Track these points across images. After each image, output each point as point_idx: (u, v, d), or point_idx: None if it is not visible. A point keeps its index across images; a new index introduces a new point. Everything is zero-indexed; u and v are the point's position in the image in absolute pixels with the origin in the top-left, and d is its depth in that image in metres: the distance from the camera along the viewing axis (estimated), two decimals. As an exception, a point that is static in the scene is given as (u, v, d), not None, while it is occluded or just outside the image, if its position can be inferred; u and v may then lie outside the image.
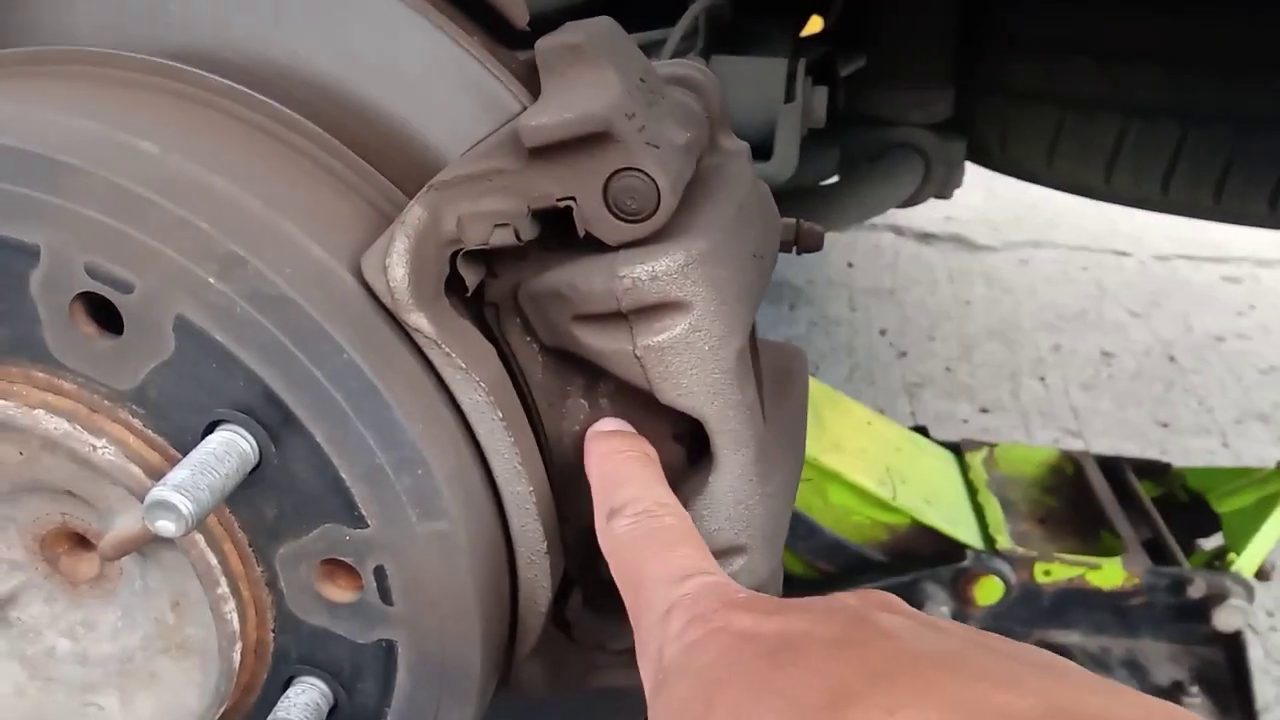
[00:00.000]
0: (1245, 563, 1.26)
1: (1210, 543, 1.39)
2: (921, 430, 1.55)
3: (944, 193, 1.34)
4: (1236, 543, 1.29)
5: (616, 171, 0.42)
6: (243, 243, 0.40)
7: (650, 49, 0.96)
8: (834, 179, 1.49)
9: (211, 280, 0.40)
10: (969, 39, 1.27)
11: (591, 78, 0.42)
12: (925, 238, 3.16)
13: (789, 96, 0.97)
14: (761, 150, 0.99)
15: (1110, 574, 1.28)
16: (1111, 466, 1.51)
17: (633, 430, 0.49)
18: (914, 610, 0.40)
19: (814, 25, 1.66)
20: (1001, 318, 2.69)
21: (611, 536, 0.46)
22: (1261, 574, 1.30)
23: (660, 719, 0.39)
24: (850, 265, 2.95)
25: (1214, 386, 2.39)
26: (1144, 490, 1.46)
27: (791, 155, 0.98)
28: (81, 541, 0.49)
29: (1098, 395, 2.33)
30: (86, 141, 0.40)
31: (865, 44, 1.46)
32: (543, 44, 0.43)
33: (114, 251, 0.40)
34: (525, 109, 0.45)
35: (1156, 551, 1.32)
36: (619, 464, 0.47)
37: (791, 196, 1.28)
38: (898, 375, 2.38)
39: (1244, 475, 1.38)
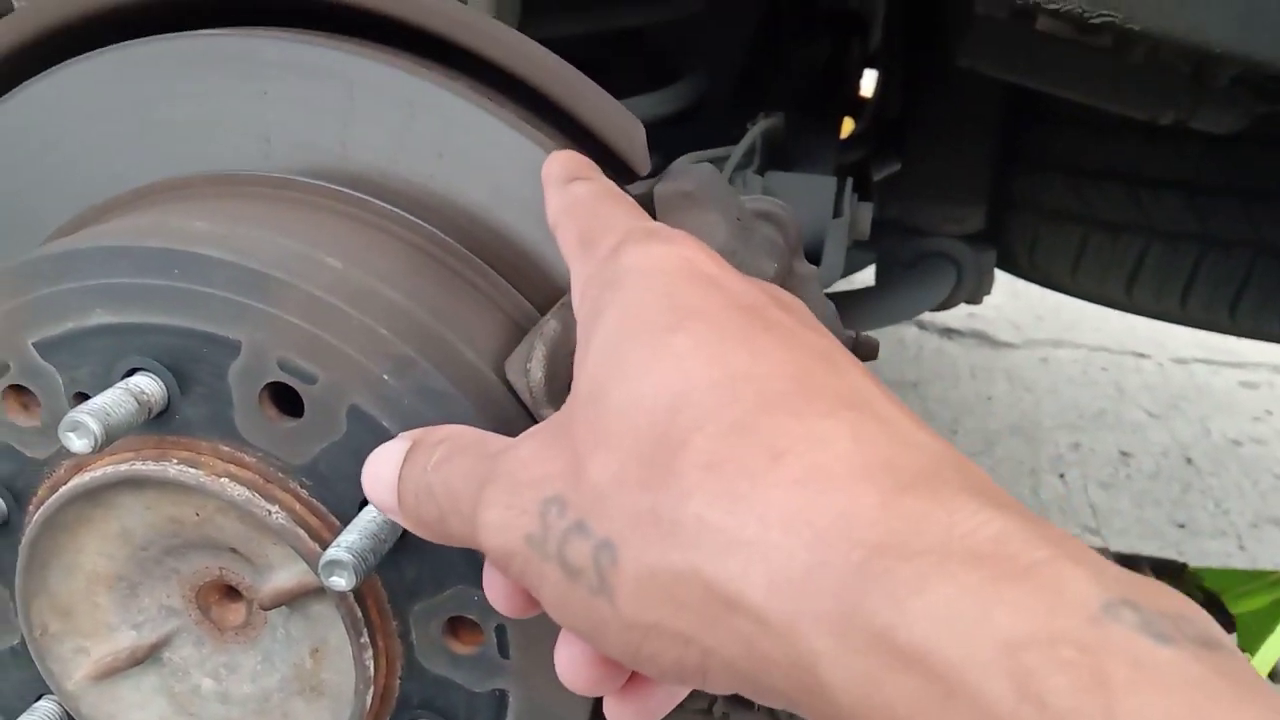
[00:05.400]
0: (1259, 663, 1.30)
1: (1225, 644, 1.43)
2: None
3: (975, 298, 1.43)
4: (1251, 644, 1.33)
5: (720, 298, 0.50)
6: (413, 347, 0.48)
7: (713, 163, 1.05)
8: (851, 278, 1.58)
9: (386, 377, 0.48)
10: (1005, 159, 1.37)
11: (701, 220, 0.51)
12: (948, 333, 3.24)
13: (837, 212, 1.06)
14: (810, 257, 1.07)
15: (1128, 670, 1.33)
16: (1129, 564, 1.56)
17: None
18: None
19: (846, 128, 1.76)
20: (1022, 414, 2.75)
21: (569, 194, 0.46)
22: (1275, 675, 1.35)
23: (611, 316, 0.37)
24: (875, 357, 3.02)
25: (1231, 489, 2.44)
26: (1161, 589, 1.51)
27: (838, 265, 1.06)
28: (231, 593, 0.57)
29: (1116, 494, 2.38)
30: (287, 257, 0.49)
31: (900, 153, 1.56)
32: (660, 190, 0.52)
33: (304, 349, 0.48)
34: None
35: (1173, 649, 1.36)
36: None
37: (832, 297, 1.37)
38: (920, 467, 2.43)
39: (1259, 577, 1.43)
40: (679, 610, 0.33)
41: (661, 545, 0.33)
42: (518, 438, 0.40)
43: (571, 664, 0.40)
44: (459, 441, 0.42)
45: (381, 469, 0.43)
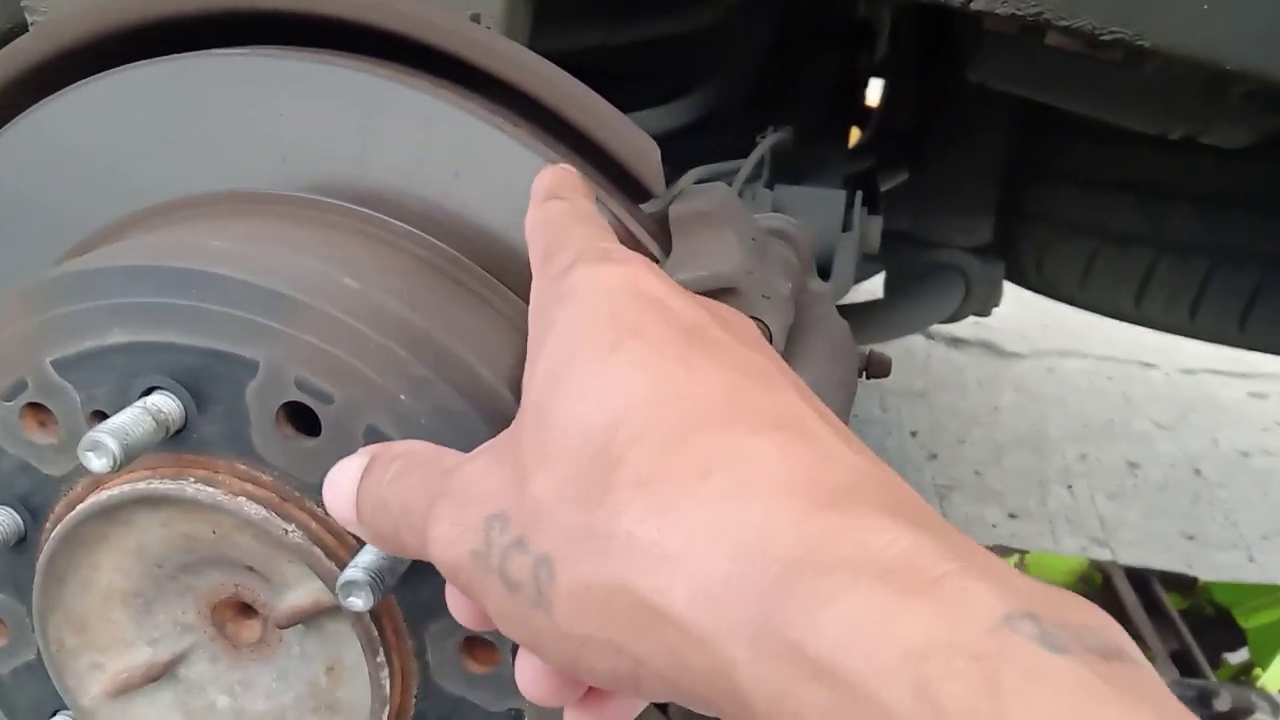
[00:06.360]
0: (1271, 678, 1.30)
1: (1236, 657, 1.43)
2: (955, 535, 1.60)
3: (984, 311, 1.43)
4: (1262, 658, 1.33)
5: (736, 318, 0.50)
6: (430, 367, 0.48)
7: (722, 177, 1.05)
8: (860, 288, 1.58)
9: (403, 397, 0.48)
10: (1014, 171, 1.37)
11: (717, 240, 0.51)
12: (955, 342, 3.24)
13: (846, 226, 1.05)
14: (820, 272, 1.07)
15: (1138, 684, 1.32)
16: (1139, 578, 1.56)
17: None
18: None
19: (852, 137, 1.76)
20: (1030, 425, 2.75)
21: (544, 210, 0.46)
22: (1288, 690, 1.34)
23: (556, 334, 0.39)
24: (882, 366, 3.02)
25: (1240, 501, 2.43)
26: (1171, 602, 1.50)
27: (848, 279, 1.06)
28: (246, 610, 0.57)
29: (1124, 505, 2.38)
30: (304, 276, 0.49)
31: (909, 163, 1.56)
32: (675, 209, 0.52)
33: (321, 369, 0.48)
34: (657, 260, 0.54)
35: (1183, 663, 1.36)
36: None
37: (840, 310, 1.37)
38: (928, 477, 2.43)
39: (1270, 592, 1.43)
40: (611, 622, 0.35)
41: (595, 560, 0.35)
42: (471, 454, 0.41)
43: (531, 674, 0.42)
44: (414, 458, 0.43)
45: (341, 482, 0.45)
